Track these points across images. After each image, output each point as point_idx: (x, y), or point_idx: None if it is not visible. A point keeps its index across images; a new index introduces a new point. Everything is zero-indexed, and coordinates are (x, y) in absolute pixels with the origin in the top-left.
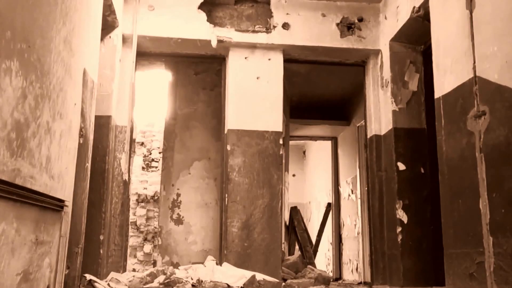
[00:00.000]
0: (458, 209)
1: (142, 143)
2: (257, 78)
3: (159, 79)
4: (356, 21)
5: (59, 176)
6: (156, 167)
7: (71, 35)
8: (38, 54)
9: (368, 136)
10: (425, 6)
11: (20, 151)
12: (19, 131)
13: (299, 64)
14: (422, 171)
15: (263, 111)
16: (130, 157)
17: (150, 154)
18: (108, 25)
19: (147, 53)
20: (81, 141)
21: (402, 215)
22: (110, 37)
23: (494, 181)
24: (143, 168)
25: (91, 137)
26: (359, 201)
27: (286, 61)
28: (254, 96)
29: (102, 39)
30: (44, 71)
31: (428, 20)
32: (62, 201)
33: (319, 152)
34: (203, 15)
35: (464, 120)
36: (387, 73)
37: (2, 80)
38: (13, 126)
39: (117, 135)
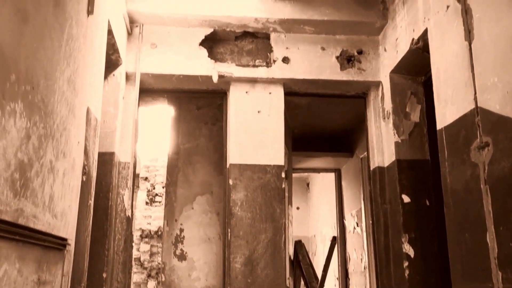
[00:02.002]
0: (465, 243)
1: (146, 178)
2: (258, 112)
3: (162, 114)
4: (356, 53)
5: (62, 215)
6: (160, 201)
7: (75, 75)
8: (42, 95)
9: (371, 168)
10: (424, 38)
11: (24, 191)
12: (23, 171)
13: (300, 97)
14: (428, 203)
15: (264, 145)
16: (133, 192)
17: (154, 188)
18: (111, 64)
19: (150, 89)
20: (84, 179)
21: (408, 249)
22: (113, 75)
23: (500, 214)
24: (146, 203)
25: (94, 174)
26: (364, 234)
27: (287, 94)
28: (256, 130)
29: (105, 77)
30: (48, 112)
31: (428, 52)
32: (65, 239)
33: (323, 184)
34: (204, 52)
35: (468, 151)
36: (388, 105)
37: (7, 122)
38: (17, 167)
39: (121, 171)
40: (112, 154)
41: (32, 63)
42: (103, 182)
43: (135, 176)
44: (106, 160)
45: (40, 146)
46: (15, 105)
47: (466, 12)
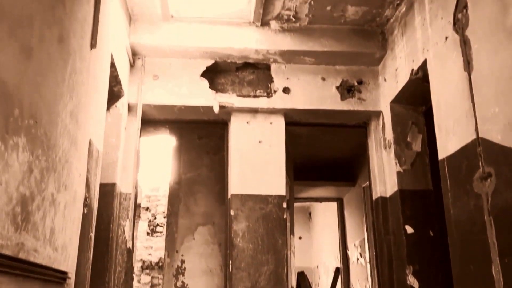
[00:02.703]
0: (470, 275)
1: (147, 208)
2: (259, 142)
3: (164, 144)
4: (356, 83)
5: (62, 248)
6: (161, 232)
7: (78, 108)
8: (44, 129)
9: (374, 198)
10: (423, 68)
11: (25, 225)
12: (24, 205)
13: (302, 126)
14: (431, 234)
15: (266, 175)
16: (134, 223)
17: (155, 218)
18: (114, 95)
19: (152, 120)
20: (85, 211)
21: (413, 281)
22: (116, 106)
23: (505, 245)
24: (147, 233)
25: (95, 206)
26: (368, 265)
27: (288, 124)
28: (257, 160)
29: (108, 108)
30: (50, 145)
31: (428, 82)
32: (65, 273)
33: (325, 214)
34: (205, 82)
35: (470, 182)
36: (389, 134)
37: (9, 156)
38: (18, 201)
39: (122, 202)
40: (113, 185)
41: (36, 97)
42: (104, 213)
43: (136, 206)
44: (107, 191)
45: (42, 179)
46: (18, 139)
47: (465, 43)
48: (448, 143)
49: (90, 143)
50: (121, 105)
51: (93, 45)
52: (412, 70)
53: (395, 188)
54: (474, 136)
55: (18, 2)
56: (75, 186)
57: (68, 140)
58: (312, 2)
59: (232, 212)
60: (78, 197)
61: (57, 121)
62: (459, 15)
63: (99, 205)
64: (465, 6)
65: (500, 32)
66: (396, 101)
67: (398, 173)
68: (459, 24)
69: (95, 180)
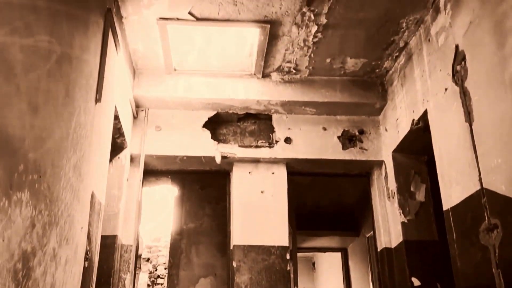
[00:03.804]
0: None
1: (148, 259)
2: (262, 192)
3: (166, 194)
4: (357, 133)
5: None
6: (162, 284)
7: (81, 161)
8: (48, 182)
9: (379, 249)
10: (424, 119)
11: (25, 281)
12: (26, 261)
13: (304, 176)
14: (439, 286)
15: (268, 226)
16: (135, 275)
17: (156, 270)
18: (117, 147)
19: (154, 170)
20: (86, 265)
21: None
22: (118, 157)
23: None
24: (148, 285)
25: (96, 259)
26: None
27: (290, 173)
28: (259, 210)
29: (110, 159)
30: (53, 199)
31: (429, 132)
32: None
33: (329, 264)
34: (207, 133)
35: (476, 233)
36: (392, 184)
37: (13, 212)
38: (20, 257)
39: (123, 254)
40: (114, 237)
41: (40, 152)
42: (104, 266)
43: (137, 258)
44: (108, 243)
45: (44, 234)
46: (21, 194)
47: (465, 95)
48: (452, 193)
49: (92, 196)
50: (123, 156)
51: (98, 99)
52: (413, 120)
53: (400, 239)
54: (478, 187)
55: (27, 59)
56: (77, 239)
57: (70, 194)
58: (312, 55)
59: (234, 264)
60: (80, 251)
61: (60, 174)
62: (458, 67)
63: (100, 257)
64: (464, 59)
65: (500, 84)
66: (398, 151)
67: (403, 223)
68: (458, 76)
69: (96, 233)
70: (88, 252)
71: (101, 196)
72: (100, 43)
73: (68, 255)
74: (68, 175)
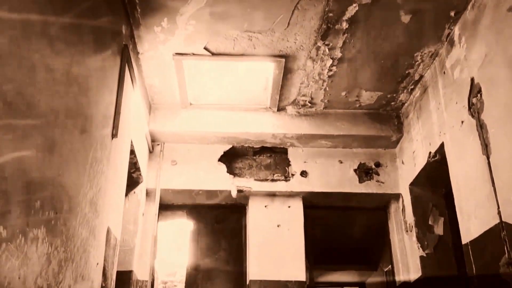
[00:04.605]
0: None
1: None
2: (278, 226)
3: (181, 229)
4: (374, 166)
5: None
6: None
7: (97, 197)
8: (64, 219)
9: (397, 284)
10: (441, 151)
11: None
12: None
13: (320, 209)
14: None
15: (285, 260)
16: None
17: None
18: (133, 181)
19: (170, 205)
20: None
21: None
22: (134, 192)
23: None
24: None
25: None
26: None
27: (307, 207)
28: (276, 244)
29: (126, 194)
30: (69, 235)
31: (446, 164)
32: None
33: None
34: (223, 167)
35: (497, 268)
36: (410, 217)
37: (29, 249)
38: None
39: None
40: (130, 272)
41: (57, 189)
42: None
43: None
44: (123, 279)
45: (60, 271)
46: (38, 231)
47: (481, 127)
48: (471, 227)
49: (108, 231)
50: (139, 191)
51: (114, 135)
52: (430, 153)
53: (419, 274)
54: (497, 220)
55: (44, 97)
56: (92, 275)
57: (86, 229)
58: (327, 88)
59: None
60: (95, 287)
61: (76, 210)
62: (474, 100)
63: None
64: (479, 91)
65: None
66: (415, 184)
67: (421, 257)
68: (475, 108)
69: (112, 269)
70: (104, 287)
71: (116, 231)
72: (116, 78)
73: None
74: (84, 210)
